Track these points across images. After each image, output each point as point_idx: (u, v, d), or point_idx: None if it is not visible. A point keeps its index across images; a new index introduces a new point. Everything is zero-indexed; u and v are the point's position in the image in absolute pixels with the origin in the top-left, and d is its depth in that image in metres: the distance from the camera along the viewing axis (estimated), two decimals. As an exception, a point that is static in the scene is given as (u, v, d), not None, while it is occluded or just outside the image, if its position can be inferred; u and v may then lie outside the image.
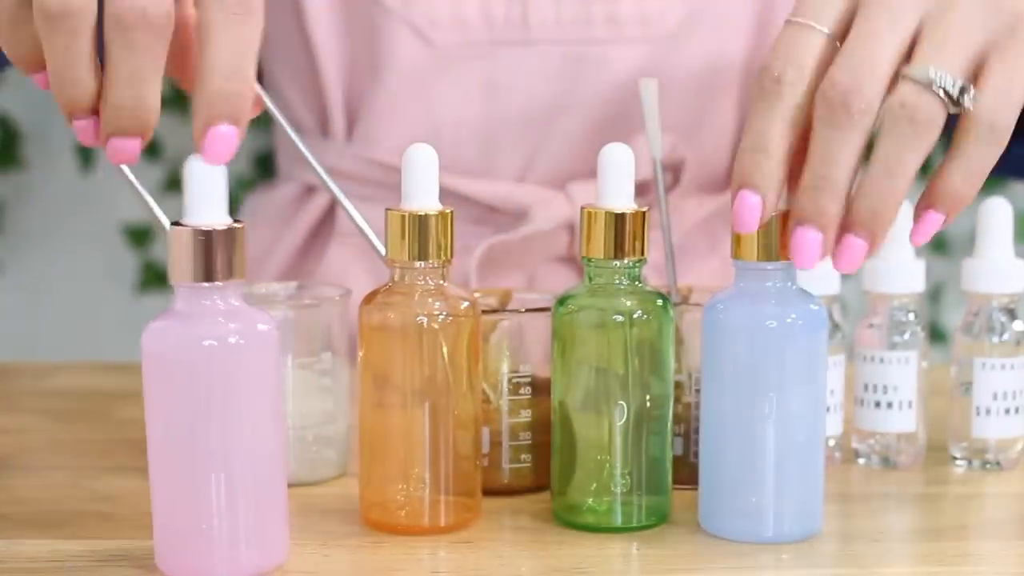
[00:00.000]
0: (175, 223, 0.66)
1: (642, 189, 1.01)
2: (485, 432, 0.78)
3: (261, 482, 0.67)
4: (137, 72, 0.64)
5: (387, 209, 0.73)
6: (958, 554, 0.72)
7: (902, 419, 0.84)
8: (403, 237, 0.72)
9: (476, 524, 0.75)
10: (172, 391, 0.66)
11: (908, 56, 0.70)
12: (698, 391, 0.80)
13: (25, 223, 2.15)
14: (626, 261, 0.73)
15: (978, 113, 0.70)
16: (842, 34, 0.70)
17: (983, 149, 0.70)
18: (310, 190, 1.12)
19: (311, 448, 0.82)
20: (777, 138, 0.69)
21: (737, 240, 0.72)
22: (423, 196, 0.72)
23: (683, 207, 1.07)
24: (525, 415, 0.79)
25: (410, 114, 1.06)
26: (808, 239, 0.70)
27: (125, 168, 0.76)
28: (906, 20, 0.70)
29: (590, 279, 0.74)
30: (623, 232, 0.73)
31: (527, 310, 0.80)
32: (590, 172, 1.07)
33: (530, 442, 0.79)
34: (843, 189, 0.69)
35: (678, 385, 0.79)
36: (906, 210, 0.84)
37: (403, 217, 0.72)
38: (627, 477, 0.74)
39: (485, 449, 0.78)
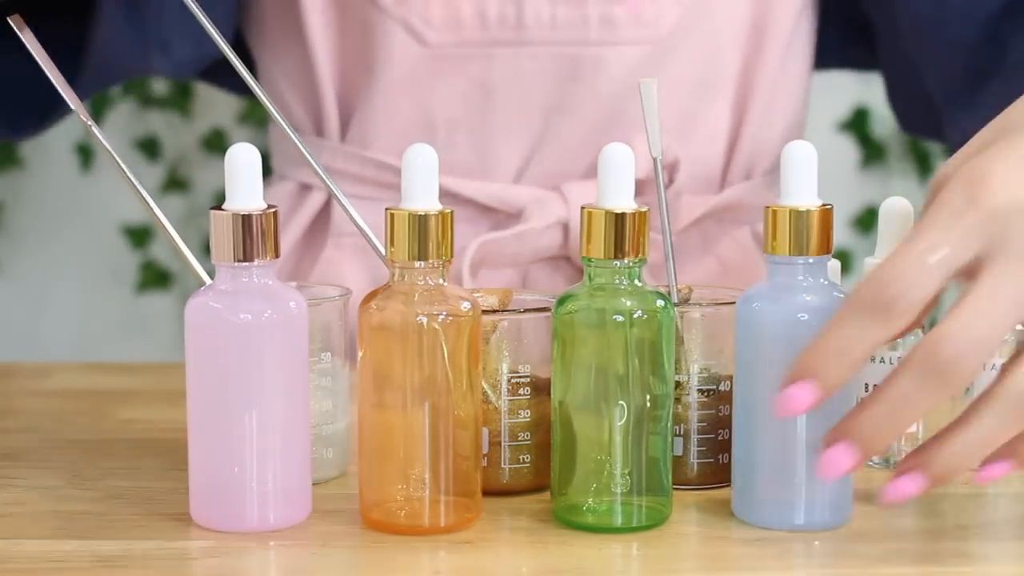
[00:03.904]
0: (216, 207, 0.72)
1: (638, 188, 1.01)
2: (485, 432, 0.78)
3: (287, 446, 0.74)
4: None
5: (387, 209, 0.73)
6: (958, 554, 0.72)
7: (902, 419, 0.84)
8: (403, 237, 0.72)
9: (476, 524, 0.75)
10: (211, 360, 0.73)
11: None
12: (699, 391, 0.80)
13: (25, 223, 2.15)
14: (626, 261, 0.73)
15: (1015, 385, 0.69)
16: (967, 272, 0.68)
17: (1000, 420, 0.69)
18: (305, 188, 1.11)
19: (311, 448, 0.81)
20: (865, 355, 0.68)
21: (771, 234, 0.73)
22: (423, 196, 0.72)
23: (677, 207, 1.06)
24: (525, 415, 0.79)
25: (404, 114, 1.06)
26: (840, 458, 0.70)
27: (125, 168, 0.77)
28: None
29: (590, 279, 0.74)
30: (623, 232, 0.73)
31: (527, 310, 0.80)
32: (585, 172, 1.07)
33: (530, 442, 0.79)
34: (901, 435, 0.71)
35: (678, 385, 0.79)
36: (907, 209, 0.84)
37: (403, 217, 0.72)
38: (627, 477, 0.74)
39: (485, 449, 0.78)
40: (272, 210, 0.73)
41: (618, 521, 0.74)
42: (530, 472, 0.79)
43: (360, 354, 0.74)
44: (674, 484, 0.76)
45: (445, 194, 1.04)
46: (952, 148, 1.13)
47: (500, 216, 1.07)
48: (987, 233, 0.67)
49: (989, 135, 0.72)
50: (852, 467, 0.70)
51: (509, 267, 1.06)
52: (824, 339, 0.69)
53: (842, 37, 1.15)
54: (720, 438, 0.80)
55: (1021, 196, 0.68)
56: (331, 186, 0.81)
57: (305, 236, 1.11)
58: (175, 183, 2.12)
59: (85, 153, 2.11)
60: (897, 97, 1.16)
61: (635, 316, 0.73)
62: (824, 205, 0.73)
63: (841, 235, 1.90)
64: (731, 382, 0.80)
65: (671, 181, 1.06)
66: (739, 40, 1.07)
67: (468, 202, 1.06)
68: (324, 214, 1.11)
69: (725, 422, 0.80)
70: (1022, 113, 0.72)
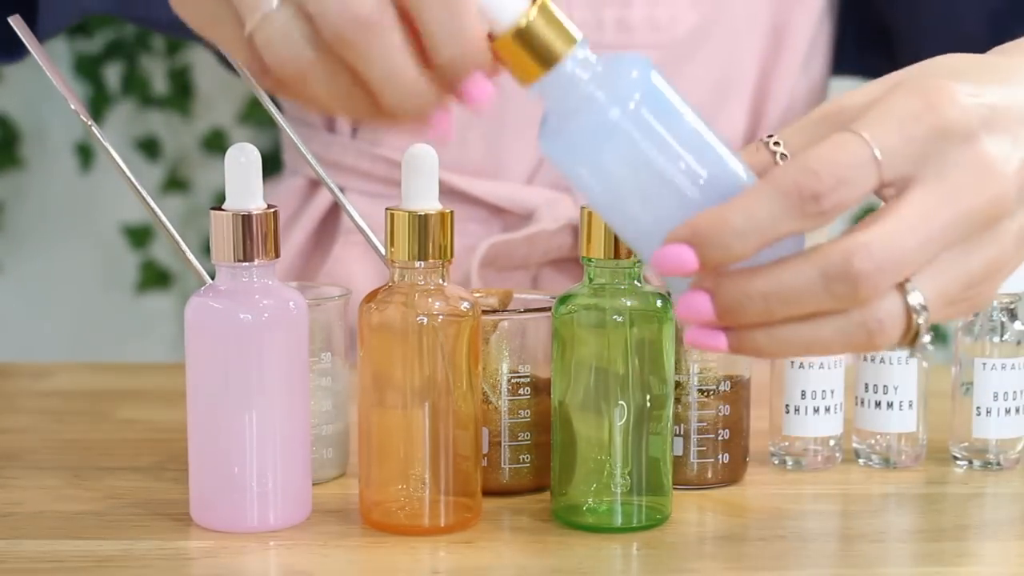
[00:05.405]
0: (216, 207, 0.72)
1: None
2: (485, 432, 0.78)
3: (287, 446, 0.74)
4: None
5: (387, 209, 0.73)
6: (958, 554, 0.72)
7: (902, 419, 0.84)
8: (403, 237, 0.72)
9: (476, 524, 0.75)
10: (211, 360, 0.73)
11: None
12: (699, 391, 0.80)
13: (25, 223, 2.15)
14: (626, 261, 0.73)
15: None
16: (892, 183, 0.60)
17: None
18: (316, 185, 1.12)
19: (311, 448, 0.81)
20: (766, 244, 0.59)
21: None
22: (423, 196, 0.72)
23: None
24: (525, 415, 0.79)
25: None
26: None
27: (125, 168, 0.77)
28: (960, 226, 0.60)
29: (590, 279, 0.74)
30: (623, 232, 0.73)
31: (527, 310, 0.80)
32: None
33: (530, 442, 0.79)
34: (767, 324, 0.60)
35: (678, 385, 0.79)
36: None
37: (403, 217, 0.72)
38: (627, 477, 0.74)
39: (485, 449, 0.78)
40: (272, 210, 0.73)
41: (618, 521, 0.74)
42: (530, 472, 0.79)
43: (360, 354, 0.74)
44: (674, 484, 0.76)
45: (456, 194, 1.04)
46: None
47: (512, 217, 1.07)
48: (934, 149, 0.60)
49: (960, 63, 0.66)
50: (699, 315, 0.60)
51: (520, 268, 1.06)
52: (729, 211, 0.59)
53: (859, 43, 1.15)
54: (720, 438, 0.80)
55: (974, 123, 0.61)
56: (331, 186, 0.81)
57: (315, 233, 1.11)
58: (175, 183, 2.12)
59: (85, 153, 2.11)
60: None
61: (635, 316, 0.73)
62: None
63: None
64: (731, 382, 0.80)
65: None
66: (757, 44, 1.06)
67: (480, 203, 1.06)
68: (335, 211, 1.10)
69: (725, 422, 0.80)
70: (1009, 56, 0.67)
